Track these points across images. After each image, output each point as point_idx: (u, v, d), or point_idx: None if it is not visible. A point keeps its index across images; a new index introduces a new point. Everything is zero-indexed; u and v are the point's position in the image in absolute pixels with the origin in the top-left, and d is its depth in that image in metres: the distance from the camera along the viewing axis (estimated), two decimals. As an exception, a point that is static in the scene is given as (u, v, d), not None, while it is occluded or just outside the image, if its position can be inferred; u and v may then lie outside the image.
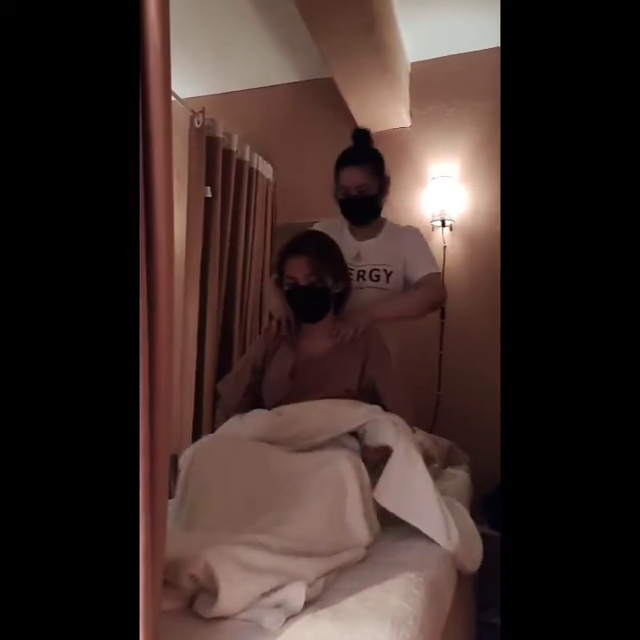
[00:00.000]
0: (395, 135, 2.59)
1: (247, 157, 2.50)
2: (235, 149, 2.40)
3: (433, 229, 2.53)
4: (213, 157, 2.25)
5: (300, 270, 1.48)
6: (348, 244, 1.82)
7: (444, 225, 2.49)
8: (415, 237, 1.87)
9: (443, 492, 1.42)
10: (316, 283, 1.48)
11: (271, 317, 1.70)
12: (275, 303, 1.69)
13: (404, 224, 2.60)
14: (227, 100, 2.90)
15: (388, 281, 1.82)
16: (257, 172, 2.58)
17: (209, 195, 2.21)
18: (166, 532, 0.72)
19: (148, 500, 0.67)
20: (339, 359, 1.52)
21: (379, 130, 2.60)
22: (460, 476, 1.69)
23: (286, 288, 1.52)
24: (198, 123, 2.18)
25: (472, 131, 2.50)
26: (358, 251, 1.84)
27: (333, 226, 1.88)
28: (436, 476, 1.60)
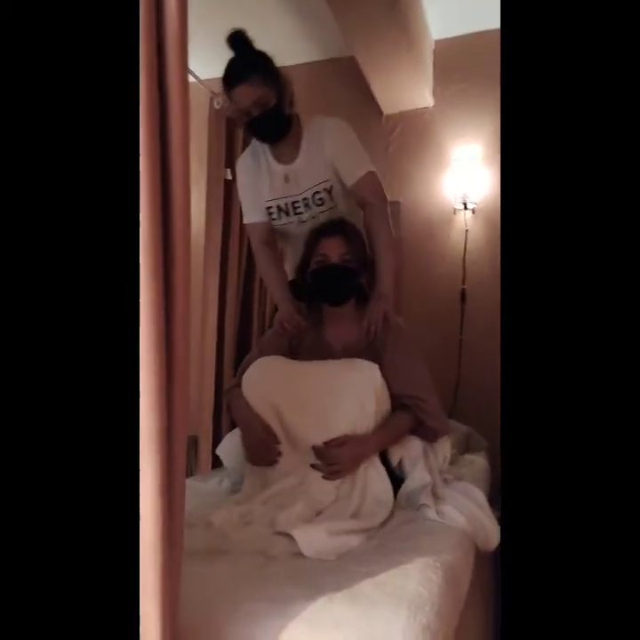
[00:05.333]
0: (417, 115, 2.54)
1: (267, 139, 2.47)
2: (254, 131, 2.38)
3: (454, 212, 2.49)
4: (233, 139, 2.24)
5: (334, 248, 1.47)
6: (278, 172, 1.68)
7: (466, 208, 2.45)
8: (337, 133, 1.64)
9: (460, 479, 1.42)
10: (349, 262, 1.47)
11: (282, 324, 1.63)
12: (286, 309, 1.64)
13: (424, 208, 2.58)
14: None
15: (331, 198, 1.68)
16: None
17: (229, 177, 2.20)
18: (184, 515, 0.73)
19: (166, 483, 0.67)
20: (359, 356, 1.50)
21: (401, 110, 2.56)
22: (478, 463, 1.68)
23: (315, 267, 1.50)
24: (218, 104, 2.16)
25: (497, 111, 2.44)
26: (290, 176, 1.68)
27: (253, 155, 1.74)
28: (453, 461, 1.60)
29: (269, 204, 1.73)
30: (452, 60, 2.50)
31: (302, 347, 1.59)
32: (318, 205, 1.69)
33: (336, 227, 1.52)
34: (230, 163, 2.21)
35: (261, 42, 2.64)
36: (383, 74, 2.28)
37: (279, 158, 1.69)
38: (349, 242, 1.48)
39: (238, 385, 1.46)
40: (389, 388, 1.41)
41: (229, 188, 2.20)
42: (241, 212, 2.26)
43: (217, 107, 2.15)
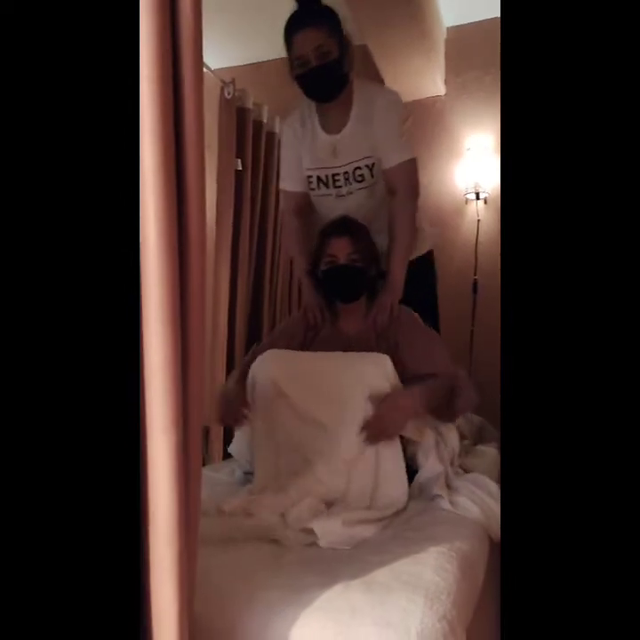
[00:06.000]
0: (429, 104, 2.52)
1: (277, 129, 2.46)
2: (265, 121, 2.36)
3: (466, 202, 2.47)
4: (243, 129, 2.23)
5: (341, 249, 1.47)
6: (323, 141, 1.62)
7: (478, 198, 2.43)
8: (387, 109, 1.56)
9: (472, 469, 1.42)
10: (357, 262, 1.48)
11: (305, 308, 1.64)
12: (307, 291, 1.64)
13: (436, 198, 2.55)
14: (256, 70, 2.85)
15: (372, 175, 1.61)
16: (287, 143, 2.54)
17: (239, 167, 2.19)
18: (200, 503, 0.73)
19: (183, 470, 0.67)
20: (372, 343, 1.51)
21: (413, 99, 2.53)
22: (489, 454, 1.67)
23: (325, 268, 1.51)
24: (228, 94, 2.14)
25: (510, 99, 2.41)
26: (334, 146, 1.61)
27: (301, 119, 1.66)
28: (466, 452, 1.59)
29: (310, 174, 1.67)
30: (465, 47, 2.47)
31: (317, 338, 1.59)
32: (358, 181, 1.62)
33: (342, 227, 1.51)
34: (241, 153, 2.20)
35: (271, 31, 2.62)
36: (395, 62, 2.26)
37: (326, 127, 1.63)
38: (356, 241, 1.48)
39: (246, 366, 1.49)
40: (413, 370, 1.42)
41: (240, 178, 2.19)
42: (252, 203, 2.27)
43: (228, 96, 2.14)
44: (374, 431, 1.27)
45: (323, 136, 1.63)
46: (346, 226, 1.51)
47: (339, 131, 1.61)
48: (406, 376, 1.44)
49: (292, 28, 1.51)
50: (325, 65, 1.49)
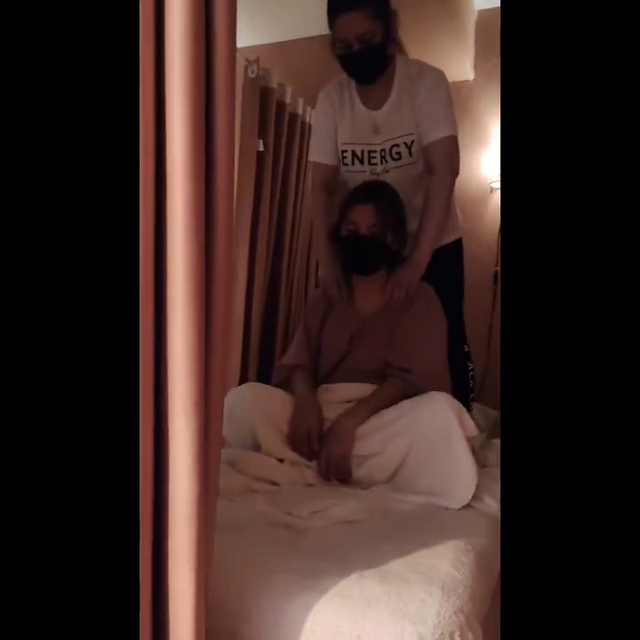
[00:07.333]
0: (457, 89, 2.44)
1: (300, 110, 2.43)
2: (288, 101, 2.33)
3: (491, 191, 2.42)
4: (266, 109, 2.19)
5: (364, 218, 1.43)
6: (362, 116, 1.57)
7: (503, 186, 2.38)
8: (433, 87, 1.50)
9: (487, 463, 1.40)
10: (377, 235, 1.43)
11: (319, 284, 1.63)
12: (325, 264, 1.62)
13: (460, 185, 2.49)
14: (281, 49, 2.80)
15: (410, 154, 1.56)
16: (309, 125, 2.51)
17: (261, 148, 2.16)
18: (219, 486, 0.72)
19: (203, 452, 0.66)
20: (385, 324, 1.49)
21: (440, 82, 2.48)
22: (505, 447, 1.65)
23: (344, 234, 1.47)
24: (252, 73, 2.11)
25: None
26: (374, 123, 1.56)
27: (339, 90, 1.60)
28: (482, 446, 1.58)
29: (345, 148, 1.62)
30: (496, 31, 2.40)
31: (333, 313, 1.57)
32: (394, 159, 1.57)
33: (369, 193, 1.47)
34: (263, 134, 2.17)
35: (295, 11, 2.57)
36: (422, 44, 2.19)
37: (365, 101, 1.57)
38: (381, 210, 1.43)
39: (296, 366, 1.50)
40: (394, 359, 1.42)
41: (261, 159, 2.17)
42: (272, 185, 2.25)
43: (251, 75, 2.10)
44: (328, 473, 1.28)
45: (362, 110, 1.57)
46: (372, 192, 1.47)
47: (379, 106, 1.56)
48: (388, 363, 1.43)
49: (335, 9, 1.42)
50: (367, 50, 1.43)
